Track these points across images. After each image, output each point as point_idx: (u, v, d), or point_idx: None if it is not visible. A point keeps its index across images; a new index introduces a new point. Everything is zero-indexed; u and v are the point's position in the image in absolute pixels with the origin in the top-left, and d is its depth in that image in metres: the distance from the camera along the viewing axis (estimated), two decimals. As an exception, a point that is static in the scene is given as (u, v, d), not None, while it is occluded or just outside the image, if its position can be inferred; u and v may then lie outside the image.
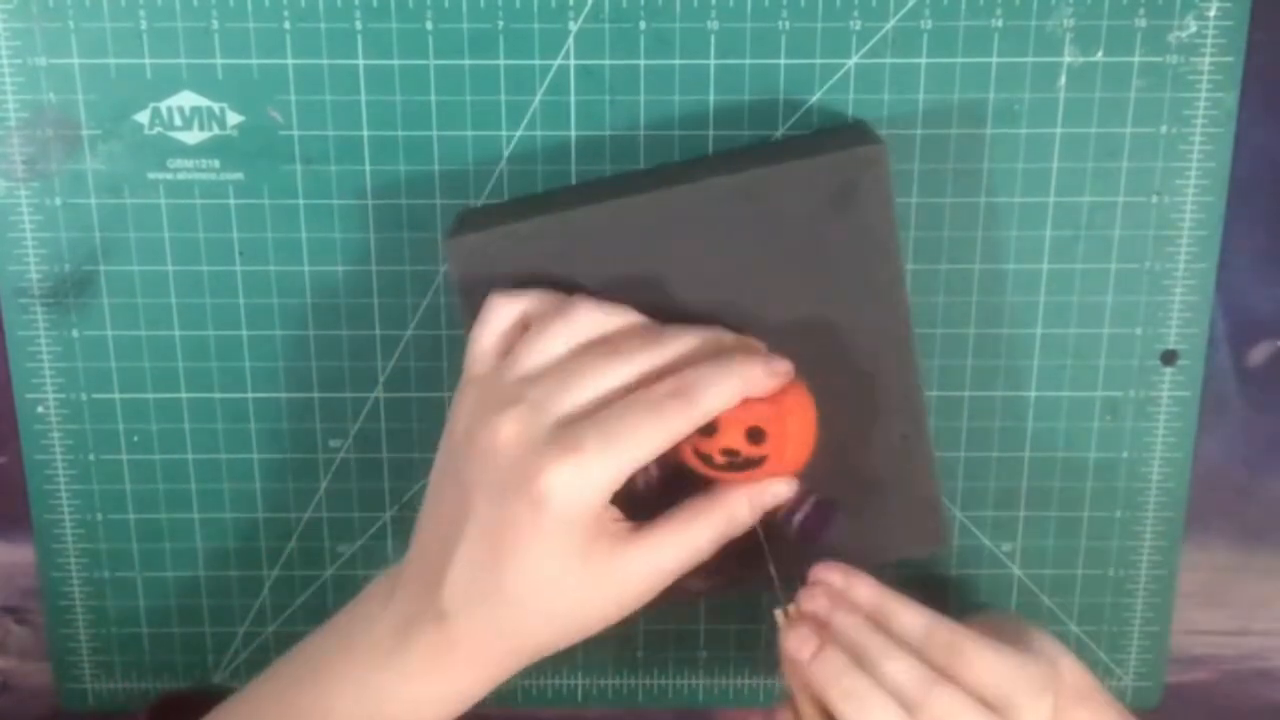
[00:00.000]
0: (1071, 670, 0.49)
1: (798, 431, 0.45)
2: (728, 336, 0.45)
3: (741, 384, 0.43)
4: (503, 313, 0.45)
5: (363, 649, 0.44)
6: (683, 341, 0.44)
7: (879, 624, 0.44)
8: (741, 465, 0.44)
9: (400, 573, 0.45)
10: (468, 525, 0.42)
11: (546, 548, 0.42)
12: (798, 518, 0.46)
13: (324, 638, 0.46)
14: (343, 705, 0.44)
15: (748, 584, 0.49)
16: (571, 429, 0.41)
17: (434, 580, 0.43)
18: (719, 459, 0.44)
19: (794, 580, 0.47)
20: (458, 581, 0.42)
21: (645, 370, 0.43)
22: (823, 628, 0.44)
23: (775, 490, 0.45)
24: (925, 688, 0.42)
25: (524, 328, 0.45)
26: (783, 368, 0.44)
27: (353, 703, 0.44)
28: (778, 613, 0.46)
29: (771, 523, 0.46)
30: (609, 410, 0.42)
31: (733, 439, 0.44)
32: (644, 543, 0.43)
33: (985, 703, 0.43)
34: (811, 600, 0.45)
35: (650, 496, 0.46)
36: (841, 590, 0.45)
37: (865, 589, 0.45)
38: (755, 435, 0.44)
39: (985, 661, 0.43)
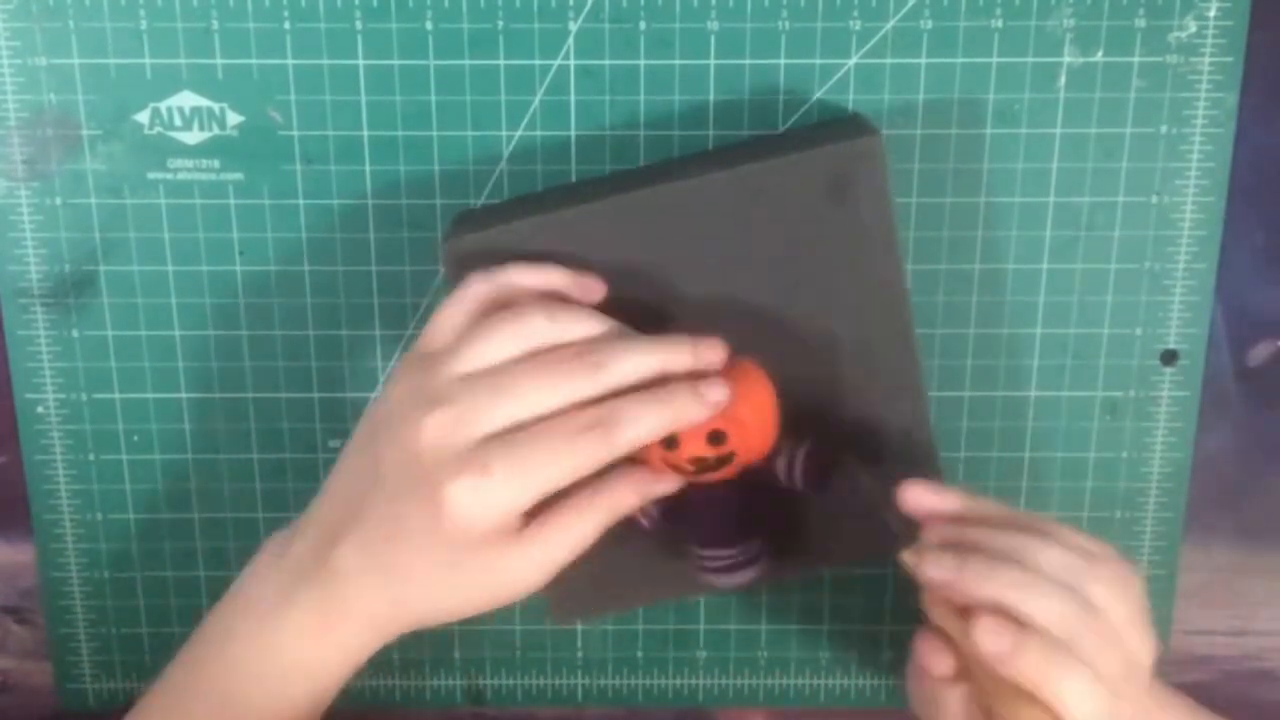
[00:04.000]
0: None
1: (756, 418, 0.45)
2: (678, 351, 0.44)
3: (669, 417, 0.43)
4: (478, 296, 0.45)
5: (257, 607, 0.45)
6: (627, 362, 0.43)
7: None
8: (714, 466, 0.45)
9: (296, 529, 0.46)
10: (370, 503, 0.43)
11: (435, 546, 0.43)
12: (797, 472, 0.46)
13: (224, 605, 0.47)
14: (242, 663, 0.45)
15: (775, 577, 0.50)
16: (484, 449, 0.42)
17: (331, 540, 0.44)
18: (689, 467, 0.45)
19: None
20: (351, 549, 0.44)
21: (580, 395, 0.43)
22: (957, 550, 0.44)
23: (663, 487, 0.45)
24: (1087, 566, 0.42)
25: (497, 307, 0.45)
26: (714, 395, 0.43)
27: (251, 660, 0.45)
28: (905, 554, 0.44)
29: (778, 484, 0.46)
30: (524, 436, 0.42)
31: (695, 448, 0.44)
32: (530, 542, 0.43)
33: None
34: (933, 532, 0.44)
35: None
36: (938, 504, 0.45)
37: (955, 498, 0.45)
38: (716, 438, 0.44)
39: (1075, 536, 0.44)
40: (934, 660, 0.44)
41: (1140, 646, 0.43)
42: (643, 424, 0.42)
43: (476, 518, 0.42)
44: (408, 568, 0.43)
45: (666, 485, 0.46)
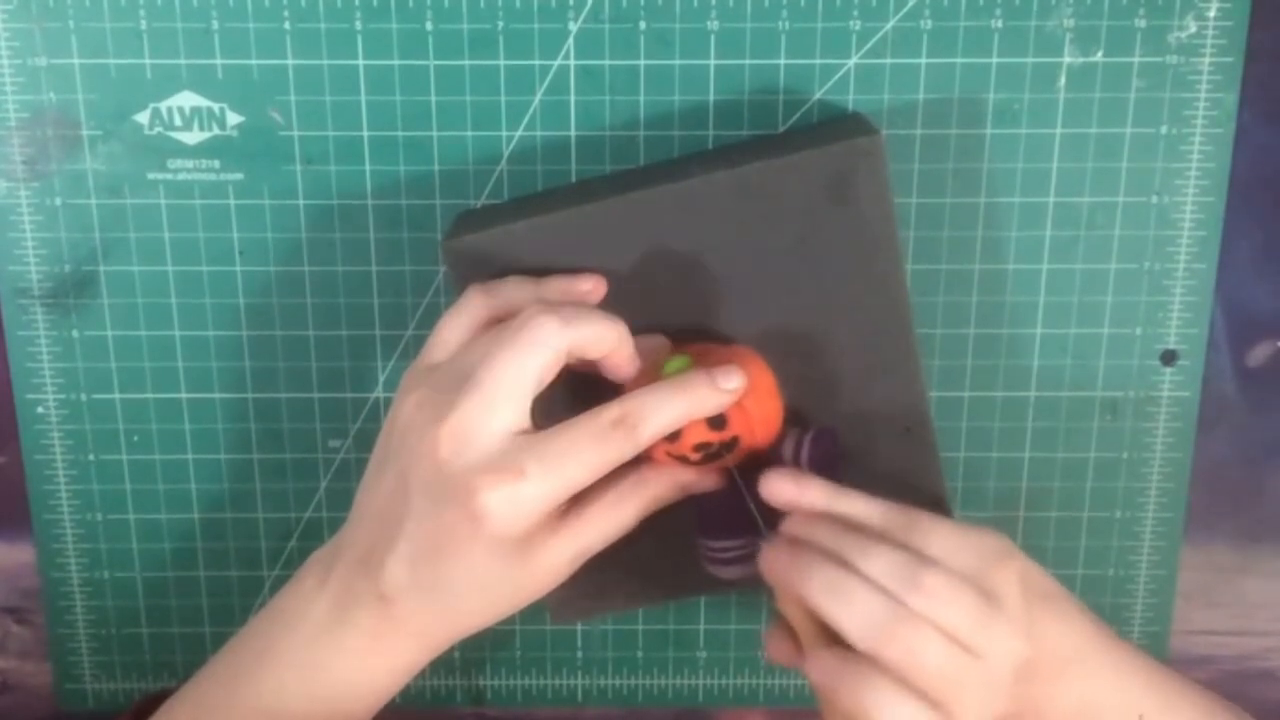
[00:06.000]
0: (1029, 570, 0.47)
1: (757, 403, 0.45)
2: (699, 389, 0.44)
3: (687, 409, 0.43)
4: (477, 308, 0.46)
5: (304, 627, 0.45)
6: (659, 416, 0.43)
7: (839, 520, 0.44)
8: (717, 453, 0.45)
9: (336, 550, 0.46)
10: (407, 521, 0.43)
11: (483, 555, 0.43)
12: (804, 456, 0.46)
13: (263, 622, 0.47)
14: (288, 682, 0.45)
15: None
16: (512, 452, 0.42)
17: (374, 564, 0.44)
18: (694, 456, 0.45)
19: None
20: (398, 570, 0.43)
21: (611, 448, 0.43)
22: (799, 546, 0.44)
23: (703, 483, 0.46)
24: (914, 572, 0.41)
25: (496, 323, 0.46)
26: (732, 383, 0.44)
27: (297, 679, 0.45)
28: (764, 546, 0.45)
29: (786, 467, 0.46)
30: (551, 435, 0.42)
31: (697, 434, 0.44)
32: (571, 530, 0.44)
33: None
34: (789, 523, 0.44)
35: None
36: (796, 496, 0.44)
37: (816, 490, 0.44)
38: (717, 423, 0.44)
39: (946, 537, 0.43)
40: (777, 651, 0.45)
41: (990, 649, 0.41)
42: (664, 416, 0.43)
43: (516, 521, 0.42)
44: (456, 580, 0.43)
45: (706, 481, 0.46)
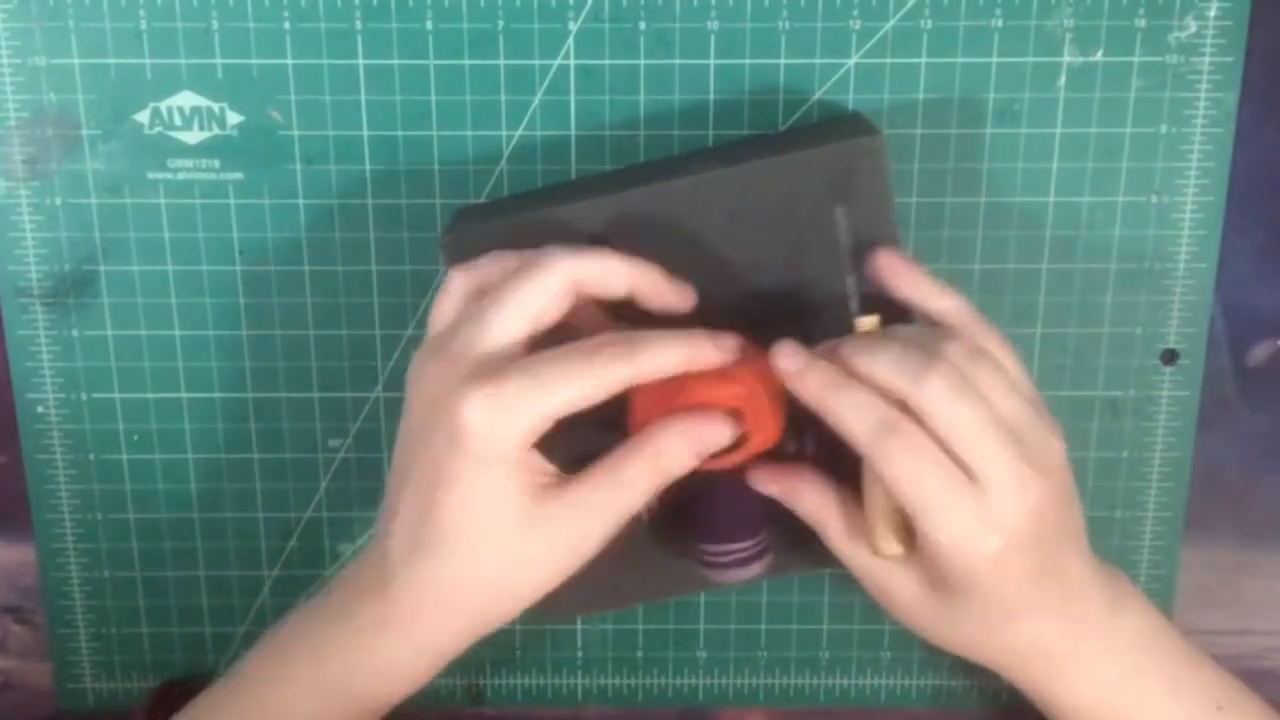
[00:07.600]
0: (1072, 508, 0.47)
1: (765, 401, 0.44)
2: (701, 343, 0.44)
3: (686, 352, 0.42)
4: (459, 284, 0.45)
5: (317, 620, 0.46)
6: (658, 349, 0.43)
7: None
8: (725, 450, 0.44)
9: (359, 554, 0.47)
10: (407, 482, 0.43)
11: (469, 485, 0.41)
12: (808, 454, 0.45)
13: (295, 615, 0.47)
14: (301, 674, 0.45)
15: (777, 573, 0.49)
16: (499, 361, 0.41)
17: (381, 546, 0.44)
18: None
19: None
20: (399, 538, 0.43)
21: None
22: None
23: (716, 430, 0.43)
24: (917, 366, 0.41)
25: (482, 294, 0.45)
26: (730, 343, 0.43)
27: (306, 670, 0.45)
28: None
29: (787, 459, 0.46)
30: (538, 353, 0.41)
31: None
32: (576, 491, 0.42)
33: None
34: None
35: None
36: (800, 368, 0.43)
37: (820, 370, 0.43)
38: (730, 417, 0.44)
39: (952, 341, 0.43)
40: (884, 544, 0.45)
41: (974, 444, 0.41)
42: (663, 352, 0.42)
43: (497, 434, 0.40)
44: (446, 531, 0.41)
45: (719, 436, 0.43)
